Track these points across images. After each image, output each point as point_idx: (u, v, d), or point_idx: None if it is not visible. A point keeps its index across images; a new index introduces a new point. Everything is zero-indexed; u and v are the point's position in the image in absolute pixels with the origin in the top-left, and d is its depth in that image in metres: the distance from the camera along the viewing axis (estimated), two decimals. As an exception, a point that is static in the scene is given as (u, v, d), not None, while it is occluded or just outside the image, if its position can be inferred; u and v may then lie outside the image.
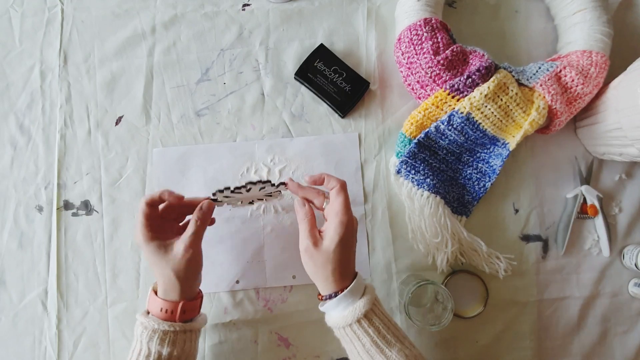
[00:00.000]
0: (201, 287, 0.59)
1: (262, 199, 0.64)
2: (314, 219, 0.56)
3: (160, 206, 0.57)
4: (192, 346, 0.55)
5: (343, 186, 0.56)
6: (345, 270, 0.53)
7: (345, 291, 0.52)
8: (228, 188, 0.56)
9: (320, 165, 0.68)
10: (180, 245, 0.53)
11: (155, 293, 0.55)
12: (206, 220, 0.55)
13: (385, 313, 0.54)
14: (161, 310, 0.54)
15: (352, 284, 0.53)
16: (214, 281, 0.66)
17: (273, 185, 0.58)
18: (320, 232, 0.55)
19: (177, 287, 0.53)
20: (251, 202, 0.65)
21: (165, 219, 0.57)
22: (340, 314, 0.53)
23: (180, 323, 0.54)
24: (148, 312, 0.55)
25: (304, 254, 0.54)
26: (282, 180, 0.59)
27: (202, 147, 0.68)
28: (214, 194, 0.57)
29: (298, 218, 0.56)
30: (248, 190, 0.58)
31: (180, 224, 0.60)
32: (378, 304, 0.54)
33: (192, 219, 0.55)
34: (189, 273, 0.54)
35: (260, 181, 0.57)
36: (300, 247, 0.54)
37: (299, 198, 0.58)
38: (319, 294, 0.55)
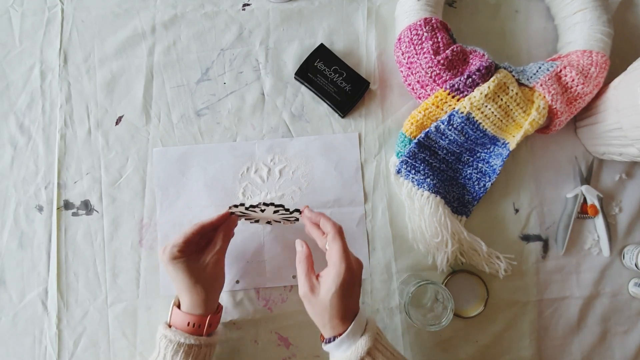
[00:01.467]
0: None
1: (279, 222, 0.64)
2: (310, 262, 0.55)
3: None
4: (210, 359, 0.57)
5: (339, 232, 0.53)
6: (345, 315, 0.51)
7: (344, 334, 0.51)
8: (243, 204, 0.57)
9: (321, 165, 0.68)
10: (207, 257, 0.55)
11: (178, 307, 0.56)
12: (230, 233, 0.57)
13: (388, 346, 0.53)
14: (188, 324, 0.55)
15: (352, 325, 0.51)
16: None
17: (287, 210, 0.57)
18: (318, 276, 0.53)
19: (203, 301, 0.55)
20: (268, 222, 0.66)
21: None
22: (343, 354, 0.51)
23: (205, 337, 0.55)
24: (169, 325, 0.56)
25: (302, 298, 0.53)
26: (297, 208, 0.58)
27: (202, 147, 0.68)
28: (230, 208, 0.58)
29: (296, 259, 0.56)
30: (262, 211, 0.58)
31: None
32: (380, 338, 0.53)
33: (217, 232, 0.57)
34: (216, 285, 0.56)
35: (273, 204, 0.56)
36: (299, 291, 0.53)
37: (299, 239, 0.58)
38: (322, 335, 0.54)
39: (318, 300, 0.51)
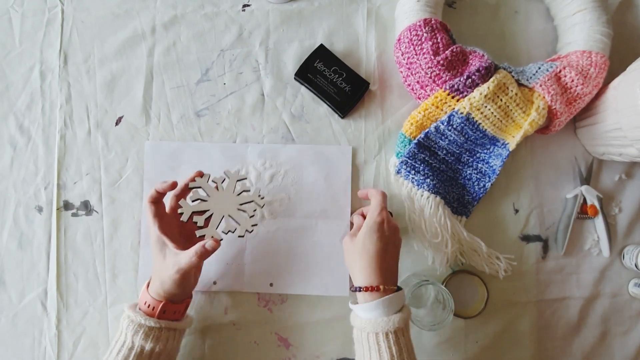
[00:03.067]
0: None
1: (233, 219, 0.58)
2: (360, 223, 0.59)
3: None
4: (174, 344, 0.57)
5: (381, 192, 0.60)
6: (382, 267, 0.54)
7: (389, 296, 0.52)
8: (209, 175, 0.57)
9: (311, 175, 0.68)
10: (171, 263, 0.54)
11: (147, 287, 0.57)
12: (203, 257, 0.55)
13: (410, 338, 0.54)
14: (145, 303, 0.56)
15: (396, 293, 0.53)
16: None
17: (248, 191, 0.58)
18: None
19: (160, 291, 0.55)
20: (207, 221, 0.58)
21: (171, 215, 0.59)
22: (372, 318, 0.53)
23: (165, 321, 0.55)
24: (136, 305, 0.57)
25: (344, 245, 0.59)
26: (262, 196, 0.59)
27: (195, 145, 0.68)
28: (192, 180, 0.57)
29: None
30: (223, 182, 0.57)
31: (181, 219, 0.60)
32: (408, 328, 0.55)
33: (192, 250, 0.54)
34: (175, 288, 0.55)
35: (238, 173, 0.57)
36: (344, 243, 0.59)
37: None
38: (352, 286, 0.57)
39: (355, 241, 0.56)
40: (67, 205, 0.68)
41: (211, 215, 0.56)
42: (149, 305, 0.55)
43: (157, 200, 0.56)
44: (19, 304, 0.66)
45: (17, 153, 0.69)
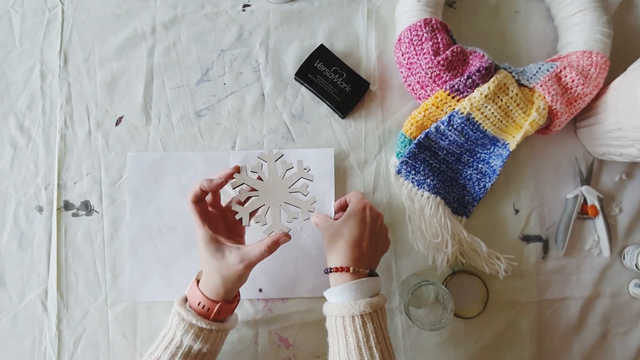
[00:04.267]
0: (167, 294, 0.64)
1: (288, 204, 0.54)
2: (342, 201, 0.64)
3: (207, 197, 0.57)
4: (220, 345, 0.57)
5: (358, 191, 0.63)
6: (354, 250, 0.54)
7: (358, 280, 0.52)
8: (245, 167, 0.53)
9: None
10: (237, 258, 0.52)
11: (198, 282, 0.56)
12: (273, 250, 0.53)
13: (382, 326, 0.53)
14: (199, 304, 0.54)
15: (368, 278, 0.53)
16: (182, 288, 0.63)
17: (291, 168, 0.53)
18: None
19: (220, 291, 0.54)
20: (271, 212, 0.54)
21: (214, 212, 0.57)
22: (340, 301, 0.52)
23: (216, 323, 0.54)
24: (186, 300, 0.56)
25: (323, 234, 0.58)
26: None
27: (176, 155, 0.68)
28: (231, 178, 0.52)
29: (316, 222, 0.63)
30: (262, 169, 0.53)
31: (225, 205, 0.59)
32: (382, 315, 0.54)
33: (263, 243, 0.52)
34: (236, 285, 0.54)
35: (272, 152, 0.52)
36: (322, 230, 0.59)
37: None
38: (326, 268, 0.56)
39: (332, 227, 0.57)
40: (67, 205, 0.68)
41: (268, 208, 0.53)
42: (203, 307, 0.54)
43: (200, 199, 0.54)
44: (20, 303, 0.66)
45: (17, 153, 0.69)
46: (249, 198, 0.53)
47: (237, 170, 0.53)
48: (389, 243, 0.61)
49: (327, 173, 0.67)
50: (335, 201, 0.66)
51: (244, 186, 0.53)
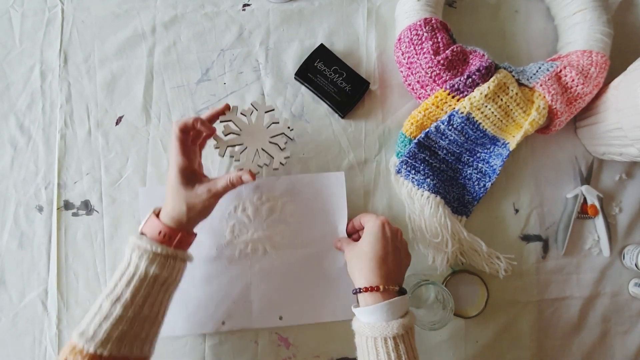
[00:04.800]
0: (186, 328, 0.64)
1: (264, 150, 0.60)
2: (355, 224, 0.64)
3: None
4: (178, 275, 0.56)
5: (370, 213, 0.65)
6: (382, 268, 0.54)
7: (389, 301, 0.52)
8: (237, 107, 0.59)
9: (307, 204, 0.67)
10: (204, 189, 0.55)
11: (157, 216, 0.55)
12: (237, 185, 0.56)
13: (413, 345, 0.53)
14: (159, 233, 0.54)
15: (398, 298, 0.53)
16: (200, 321, 0.64)
17: (277, 122, 0.59)
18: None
19: (183, 219, 0.54)
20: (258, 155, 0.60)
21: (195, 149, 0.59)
22: (371, 322, 0.52)
23: (179, 250, 0.55)
24: (142, 234, 0.55)
25: (347, 258, 0.60)
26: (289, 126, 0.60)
27: None
28: (222, 114, 0.58)
29: (339, 246, 0.64)
30: (252, 114, 0.59)
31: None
32: (412, 334, 0.53)
33: (228, 177, 0.56)
34: (199, 215, 0.56)
35: (265, 104, 0.60)
36: (345, 254, 0.60)
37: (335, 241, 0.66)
38: (353, 289, 0.56)
39: (355, 249, 0.57)
40: (67, 205, 0.68)
41: (245, 148, 0.59)
42: (164, 235, 0.53)
43: (186, 131, 0.55)
44: (20, 303, 0.66)
45: (17, 153, 0.69)
46: (230, 134, 0.59)
47: (228, 108, 0.59)
48: (410, 257, 0.60)
49: (339, 196, 0.67)
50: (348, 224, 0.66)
51: (230, 123, 0.59)
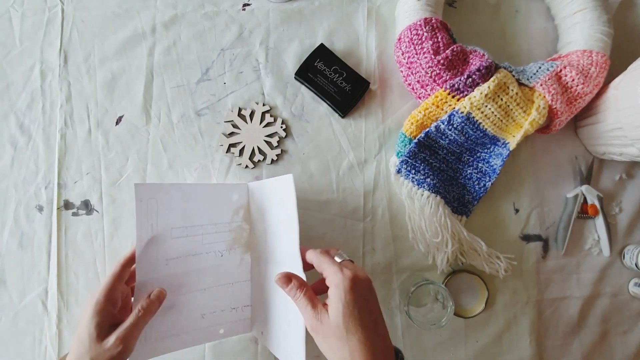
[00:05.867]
0: (185, 342, 0.57)
1: (258, 148, 0.63)
2: (309, 289, 0.47)
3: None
4: None
5: (323, 251, 0.50)
6: (375, 335, 0.42)
7: None
8: (239, 108, 0.65)
9: (262, 211, 0.59)
10: (112, 337, 0.48)
11: None
12: (152, 311, 0.50)
13: None
14: None
15: None
16: (199, 334, 0.59)
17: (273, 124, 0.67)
18: (325, 305, 0.45)
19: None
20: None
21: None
22: None
23: None
24: None
25: (312, 333, 0.45)
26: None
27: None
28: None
29: (291, 294, 0.47)
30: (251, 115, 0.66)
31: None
32: None
33: (134, 307, 0.49)
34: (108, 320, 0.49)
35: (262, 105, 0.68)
36: (307, 327, 0.46)
37: (281, 274, 0.48)
38: None
39: (328, 328, 0.43)
40: (67, 205, 0.68)
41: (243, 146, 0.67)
42: None
43: (128, 265, 0.52)
44: (20, 303, 0.66)
45: (17, 152, 0.69)
46: (232, 134, 0.67)
47: (124, 265, 0.53)
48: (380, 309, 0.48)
49: (288, 203, 0.53)
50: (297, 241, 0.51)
51: (231, 123, 0.68)
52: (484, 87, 0.60)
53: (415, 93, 0.66)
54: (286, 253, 0.54)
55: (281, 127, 0.68)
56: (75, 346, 0.48)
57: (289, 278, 0.48)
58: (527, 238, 0.69)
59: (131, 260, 0.53)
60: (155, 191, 0.55)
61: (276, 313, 0.56)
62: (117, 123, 0.69)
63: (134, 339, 0.49)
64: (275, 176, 0.59)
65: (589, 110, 0.66)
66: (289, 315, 0.51)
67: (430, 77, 0.62)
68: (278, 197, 0.56)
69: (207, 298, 0.59)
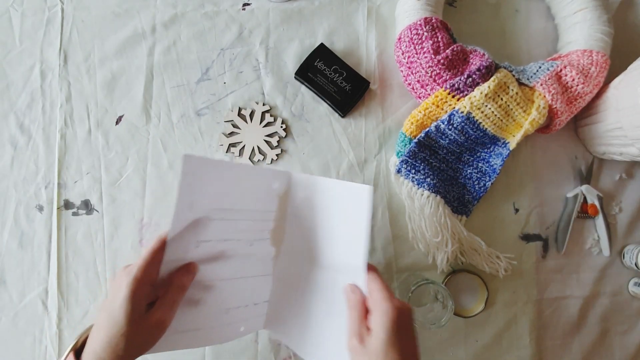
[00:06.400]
0: (205, 338, 0.55)
1: (258, 147, 0.61)
2: (364, 311, 0.47)
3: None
4: None
5: (374, 269, 0.49)
6: None
7: None
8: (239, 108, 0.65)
9: (324, 212, 0.55)
10: (152, 316, 0.45)
11: (76, 354, 0.46)
12: (187, 286, 0.48)
13: None
14: None
15: None
16: (221, 332, 0.56)
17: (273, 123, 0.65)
18: (368, 328, 0.45)
19: (116, 354, 0.44)
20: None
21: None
22: None
23: None
24: None
25: (350, 351, 0.45)
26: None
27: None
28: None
29: (348, 305, 0.48)
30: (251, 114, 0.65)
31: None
32: None
33: (169, 283, 0.47)
34: (142, 349, 0.46)
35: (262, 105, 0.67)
36: (347, 344, 0.46)
37: (350, 284, 0.50)
38: None
39: (368, 351, 0.43)
40: (67, 205, 0.68)
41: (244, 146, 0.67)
42: None
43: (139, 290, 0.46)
44: (20, 303, 0.66)
45: (17, 152, 0.69)
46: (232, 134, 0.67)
47: (164, 242, 0.48)
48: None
49: (359, 215, 0.49)
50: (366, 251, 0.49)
51: (231, 123, 0.68)
52: (484, 87, 0.60)
53: (415, 93, 0.66)
54: (344, 263, 0.52)
55: (281, 126, 0.68)
56: (105, 329, 0.44)
57: (353, 289, 0.49)
58: (527, 238, 0.69)
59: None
60: (203, 165, 0.49)
61: (308, 316, 0.55)
62: (117, 123, 0.69)
63: (173, 317, 0.47)
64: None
65: (589, 110, 0.66)
66: (326, 321, 0.53)
67: (430, 76, 0.62)
68: (344, 203, 0.52)
69: (232, 290, 0.55)
